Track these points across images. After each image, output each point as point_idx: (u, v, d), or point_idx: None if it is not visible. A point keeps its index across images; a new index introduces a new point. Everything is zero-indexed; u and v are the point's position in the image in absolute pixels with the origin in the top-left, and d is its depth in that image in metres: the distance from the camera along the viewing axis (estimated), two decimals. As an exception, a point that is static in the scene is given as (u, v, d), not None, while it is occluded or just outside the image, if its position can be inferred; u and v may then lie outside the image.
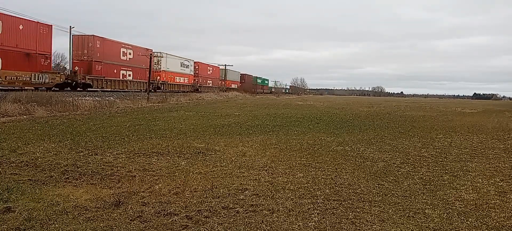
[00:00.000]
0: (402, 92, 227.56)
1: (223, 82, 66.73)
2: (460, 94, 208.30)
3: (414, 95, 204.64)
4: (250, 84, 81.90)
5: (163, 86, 43.83)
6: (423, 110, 29.25)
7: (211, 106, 26.84)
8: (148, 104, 25.63)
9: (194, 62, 54.36)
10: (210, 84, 61.03)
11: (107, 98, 23.64)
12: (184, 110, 21.61)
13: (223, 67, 66.72)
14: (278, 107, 28.75)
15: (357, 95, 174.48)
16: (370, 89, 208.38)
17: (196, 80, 54.57)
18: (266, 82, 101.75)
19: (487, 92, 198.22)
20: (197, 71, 54.88)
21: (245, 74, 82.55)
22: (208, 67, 61.08)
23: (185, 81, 50.83)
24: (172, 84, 46.66)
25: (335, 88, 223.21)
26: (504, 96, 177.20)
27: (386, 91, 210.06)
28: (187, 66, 51.37)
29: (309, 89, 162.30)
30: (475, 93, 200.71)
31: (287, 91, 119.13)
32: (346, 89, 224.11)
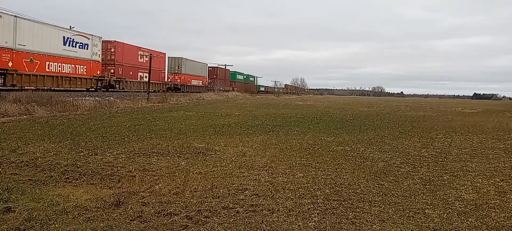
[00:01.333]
0: (402, 92, 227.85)
1: (178, 77, 44.94)
2: (460, 94, 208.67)
3: (414, 95, 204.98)
4: (226, 82, 63.87)
5: (7, 78, 21.57)
6: (423, 111, 29.25)
7: (211, 106, 26.86)
8: (148, 104, 25.64)
9: (106, 42, 31.56)
10: (145, 79, 36.56)
11: (107, 98, 23.64)
12: (184, 110, 21.62)
13: (177, 57, 45.85)
14: (278, 107, 28.76)
15: (357, 95, 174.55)
16: (370, 89, 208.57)
17: (112, 71, 31.70)
18: (251, 79, 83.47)
19: (487, 92, 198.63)
20: (113, 57, 31.98)
21: (217, 67, 60.49)
22: (140, 52, 36.54)
23: (81, 72, 27.84)
24: (35, 75, 23.69)
25: (335, 88, 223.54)
26: (504, 96, 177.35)
27: (386, 91, 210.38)
28: (85, 46, 28.26)
29: (309, 89, 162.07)
30: (475, 93, 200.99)
31: (280, 91, 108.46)
32: (346, 89, 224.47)
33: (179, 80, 45.49)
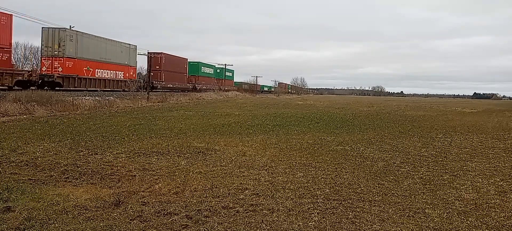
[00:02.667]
0: (402, 92, 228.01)
1: (58, 63, 26.67)
2: (460, 94, 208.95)
3: (414, 95, 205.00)
4: (181, 76, 44.60)
5: None
6: (423, 110, 29.24)
7: (211, 105, 26.87)
8: (148, 104, 25.66)
9: None
10: None
11: (107, 98, 23.66)
12: (184, 110, 21.62)
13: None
14: (278, 107, 28.77)
15: (357, 95, 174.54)
16: (370, 89, 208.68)
17: None
18: (229, 74, 66.23)
19: (487, 92, 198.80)
20: None
21: (162, 54, 40.39)
22: None
23: None
24: None
25: (335, 88, 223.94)
26: (504, 96, 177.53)
27: (386, 91, 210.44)
28: None
29: (309, 88, 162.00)
30: (475, 93, 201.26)
31: (265, 90, 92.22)
32: (346, 89, 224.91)
33: (60, 69, 26.60)
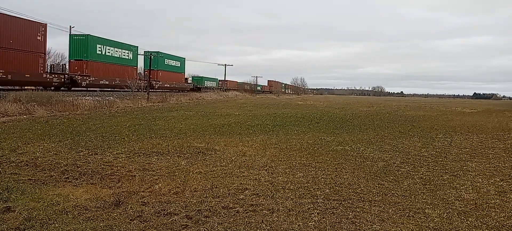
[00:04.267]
0: (402, 92, 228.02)
1: None
2: (460, 94, 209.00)
3: (414, 95, 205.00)
4: (18, 57, 21.61)
5: None
6: (423, 110, 29.23)
7: (211, 106, 26.88)
8: (148, 104, 25.66)
9: None
10: None
11: (107, 98, 23.67)
12: (184, 110, 21.62)
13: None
14: (278, 107, 28.78)
15: (357, 95, 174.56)
16: (370, 89, 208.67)
17: None
18: (175, 64, 43.28)
19: (487, 92, 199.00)
20: None
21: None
22: None
23: None
24: None
25: (335, 88, 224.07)
26: (504, 96, 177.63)
27: (386, 91, 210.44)
28: None
29: (309, 88, 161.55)
30: (475, 93, 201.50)
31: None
32: (346, 89, 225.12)
33: None
